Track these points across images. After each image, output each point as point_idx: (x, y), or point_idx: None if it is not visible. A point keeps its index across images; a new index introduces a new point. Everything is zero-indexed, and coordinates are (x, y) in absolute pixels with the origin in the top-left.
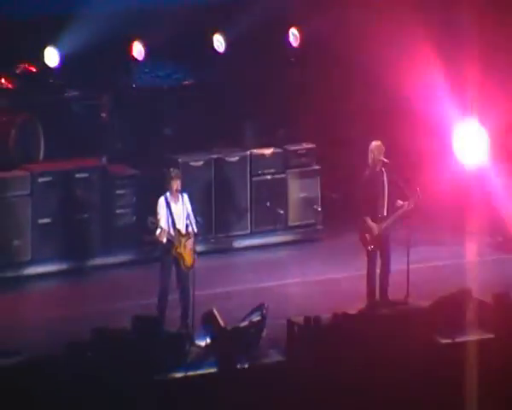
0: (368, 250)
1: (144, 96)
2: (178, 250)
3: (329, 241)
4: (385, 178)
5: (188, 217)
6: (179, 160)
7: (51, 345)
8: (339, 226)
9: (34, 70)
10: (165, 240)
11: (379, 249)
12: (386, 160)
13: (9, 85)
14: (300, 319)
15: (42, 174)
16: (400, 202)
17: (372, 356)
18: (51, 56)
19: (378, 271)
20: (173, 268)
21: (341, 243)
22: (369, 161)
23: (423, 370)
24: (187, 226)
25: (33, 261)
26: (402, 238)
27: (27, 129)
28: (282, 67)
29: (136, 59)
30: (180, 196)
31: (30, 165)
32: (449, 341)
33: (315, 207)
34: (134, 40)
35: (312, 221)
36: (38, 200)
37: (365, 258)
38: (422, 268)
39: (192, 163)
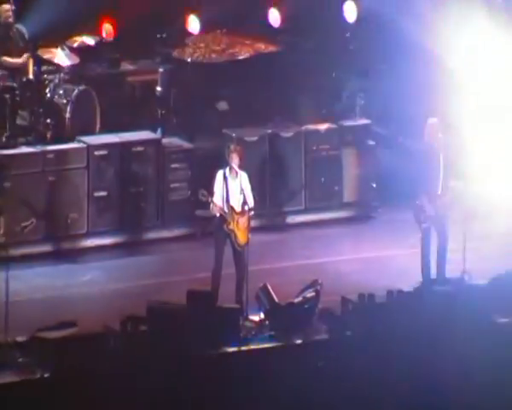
0: (423, 228)
1: (199, 70)
2: (230, 227)
3: (384, 218)
4: (441, 156)
5: (244, 194)
6: (234, 135)
7: (106, 318)
8: (394, 203)
9: (91, 43)
10: (218, 215)
11: (435, 227)
12: (442, 137)
13: (67, 58)
14: (354, 296)
15: (98, 147)
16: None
17: (427, 334)
18: (108, 29)
19: (434, 248)
20: (228, 243)
21: (396, 220)
22: (425, 138)
23: (479, 349)
24: (243, 204)
25: (89, 234)
26: (458, 216)
27: (84, 102)
28: (337, 42)
29: (191, 33)
30: (239, 172)
31: (86, 137)
32: (506, 320)
33: (370, 183)
34: (190, 13)
35: (367, 198)
36: (94, 173)
37: (420, 235)
38: (479, 246)
39: (246, 138)
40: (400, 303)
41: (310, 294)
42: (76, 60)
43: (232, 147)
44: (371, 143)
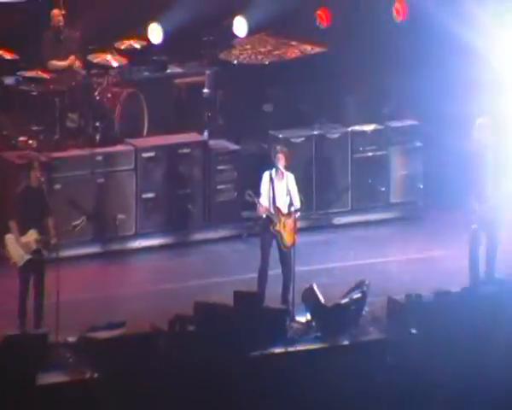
0: (472, 229)
1: (246, 72)
2: (277, 228)
3: (432, 218)
4: (491, 157)
5: (290, 196)
6: (280, 136)
7: (154, 318)
8: (442, 204)
9: (138, 46)
10: (264, 216)
11: (484, 228)
12: (492, 137)
13: (115, 61)
14: (402, 297)
15: (145, 149)
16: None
17: (474, 335)
18: (155, 32)
19: (482, 249)
20: (274, 244)
21: (444, 221)
22: (475, 138)
23: None
24: (289, 205)
25: (137, 235)
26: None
27: (132, 104)
28: (386, 42)
29: (236, 35)
30: (284, 173)
31: (134, 140)
32: None
33: (417, 184)
34: (236, 16)
35: (414, 199)
36: (142, 175)
37: (469, 236)
38: None
39: (293, 139)
40: (448, 304)
41: (356, 295)
42: (124, 63)
43: (278, 148)
44: (418, 143)
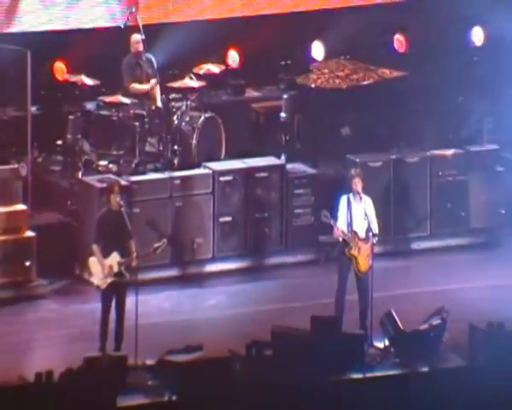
0: None
1: (323, 96)
2: (352, 252)
3: None
4: None
5: (367, 220)
6: (357, 160)
7: (231, 342)
8: None
9: (216, 71)
10: (340, 239)
11: None
12: None
13: (194, 85)
14: (483, 324)
15: (223, 173)
16: None
17: None
18: (233, 58)
19: None
20: (351, 269)
21: None
22: None
23: None
24: (367, 230)
25: (214, 259)
26: None
27: (210, 128)
28: (464, 66)
29: (315, 59)
30: (362, 197)
31: (212, 163)
32: None
33: (499, 209)
34: (314, 40)
35: (496, 224)
36: (220, 198)
37: None
38: None
39: (370, 164)
40: None
41: (436, 321)
42: (202, 86)
43: (353, 172)
44: (500, 168)
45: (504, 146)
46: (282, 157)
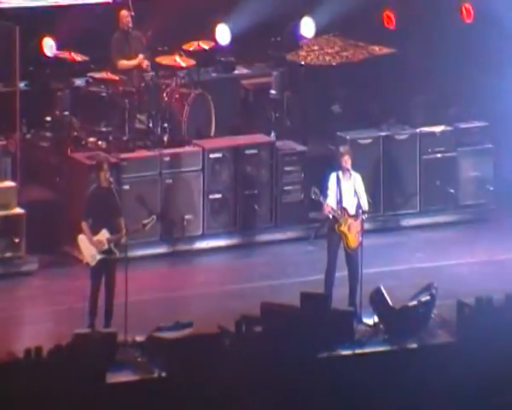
0: None
1: (313, 73)
2: (342, 229)
3: (502, 221)
4: None
5: (357, 197)
6: (347, 137)
7: (221, 319)
8: None
9: (206, 47)
10: (330, 216)
11: None
12: None
13: (183, 63)
14: (471, 300)
15: (213, 150)
16: None
17: None
18: (223, 34)
19: None
20: (341, 246)
21: None
22: None
23: None
24: (357, 207)
25: (204, 236)
26: None
27: (199, 106)
28: (453, 43)
29: (305, 36)
30: (352, 174)
31: (201, 141)
32: None
33: (487, 186)
34: (303, 17)
35: (484, 201)
36: (209, 175)
37: None
38: None
39: (360, 141)
40: None
41: (425, 297)
42: (192, 64)
43: (342, 149)
44: (488, 145)
45: (493, 122)
46: (272, 134)
